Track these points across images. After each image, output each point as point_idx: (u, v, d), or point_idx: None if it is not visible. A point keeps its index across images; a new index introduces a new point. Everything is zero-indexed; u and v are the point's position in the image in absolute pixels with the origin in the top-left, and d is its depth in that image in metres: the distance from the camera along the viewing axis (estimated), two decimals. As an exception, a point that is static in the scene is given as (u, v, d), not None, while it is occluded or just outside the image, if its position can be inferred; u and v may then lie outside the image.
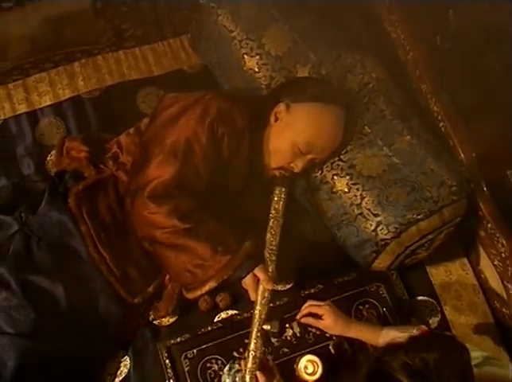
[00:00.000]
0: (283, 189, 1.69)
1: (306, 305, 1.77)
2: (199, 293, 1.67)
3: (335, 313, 1.73)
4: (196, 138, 1.65)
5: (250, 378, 1.55)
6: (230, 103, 1.74)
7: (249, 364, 1.55)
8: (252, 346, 1.56)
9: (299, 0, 1.93)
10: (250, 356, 1.55)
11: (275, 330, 1.57)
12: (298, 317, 1.77)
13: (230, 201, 1.80)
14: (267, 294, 1.59)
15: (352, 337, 1.73)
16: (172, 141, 1.66)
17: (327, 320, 1.72)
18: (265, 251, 1.63)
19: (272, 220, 1.66)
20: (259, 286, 1.59)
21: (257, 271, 1.59)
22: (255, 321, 1.58)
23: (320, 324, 1.74)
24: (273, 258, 1.63)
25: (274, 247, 1.64)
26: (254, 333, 1.56)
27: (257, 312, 1.58)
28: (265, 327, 1.56)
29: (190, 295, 1.70)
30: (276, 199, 1.68)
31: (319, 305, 1.74)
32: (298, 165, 1.73)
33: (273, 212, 1.68)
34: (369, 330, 1.72)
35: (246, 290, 1.69)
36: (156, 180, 1.62)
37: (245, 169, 1.77)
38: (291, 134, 1.71)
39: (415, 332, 1.52)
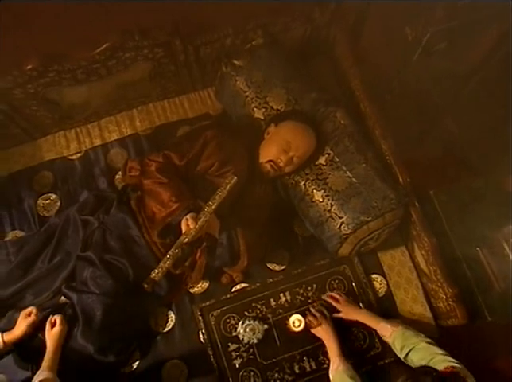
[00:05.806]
0: (235, 177, 1.96)
1: (332, 293, 2.14)
2: (155, 232, 2.04)
3: (349, 303, 2.11)
4: (192, 148, 2.08)
5: (163, 270, 1.89)
6: (228, 134, 2.14)
7: (161, 263, 1.91)
8: (170, 252, 1.91)
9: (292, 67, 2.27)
10: (167, 257, 1.90)
11: (180, 254, 1.90)
12: (324, 296, 2.14)
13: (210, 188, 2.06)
14: (192, 232, 1.89)
15: (360, 320, 2.06)
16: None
17: (343, 304, 2.10)
18: (202, 207, 1.93)
19: (216, 193, 1.95)
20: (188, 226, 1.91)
21: (189, 216, 1.93)
22: (177, 242, 1.90)
23: (338, 306, 2.11)
24: (207, 216, 1.91)
25: (211, 209, 1.91)
26: (175, 246, 1.91)
27: (180, 239, 1.90)
28: (176, 251, 1.90)
29: (156, 239, 2.04)
30: (227, 181, 1.96)
31: (340, 295, 2.13)
32: (283, 160, 2.09)
33: (220, 188, 1.95)
34: (371, 319, 2.05)
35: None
36: (155, 155, 2.08)
37: (245, 173, 2.12)
38: (277, 138, 2.11)
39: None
